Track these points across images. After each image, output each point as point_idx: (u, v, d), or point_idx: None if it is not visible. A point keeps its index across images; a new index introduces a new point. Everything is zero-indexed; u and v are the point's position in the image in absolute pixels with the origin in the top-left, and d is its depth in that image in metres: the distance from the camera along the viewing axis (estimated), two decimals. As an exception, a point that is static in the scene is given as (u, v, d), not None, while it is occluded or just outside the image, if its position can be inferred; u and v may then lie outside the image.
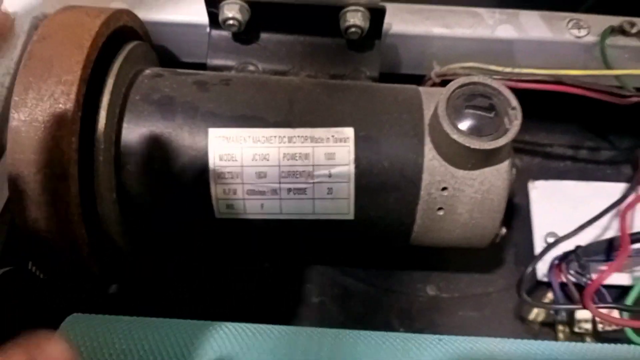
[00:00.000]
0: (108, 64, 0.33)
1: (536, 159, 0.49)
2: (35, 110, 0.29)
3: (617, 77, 0.40)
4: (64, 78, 0.29)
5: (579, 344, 0.33)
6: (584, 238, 0.39)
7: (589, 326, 0.39)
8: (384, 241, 0.37)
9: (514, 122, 0.32)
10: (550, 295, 0.41)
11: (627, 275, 0.40)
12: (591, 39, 0.41)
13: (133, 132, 0.33)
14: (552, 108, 0.45)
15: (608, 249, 0.38)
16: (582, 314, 0.39)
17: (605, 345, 0.33)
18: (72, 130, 0.29)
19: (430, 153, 0.33)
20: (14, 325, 0.32)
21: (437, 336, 0.32)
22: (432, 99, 0.34)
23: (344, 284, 0.43)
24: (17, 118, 0.29)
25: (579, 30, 0.41)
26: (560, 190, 0.45)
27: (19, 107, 0.29)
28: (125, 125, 0.33)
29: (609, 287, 0.39)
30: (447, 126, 0.31)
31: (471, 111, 0.32)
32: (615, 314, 0.38)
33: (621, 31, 0.41)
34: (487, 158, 0.32)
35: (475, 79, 0.33)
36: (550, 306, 0.40)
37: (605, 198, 0.40)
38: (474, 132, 0.31)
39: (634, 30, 0.41)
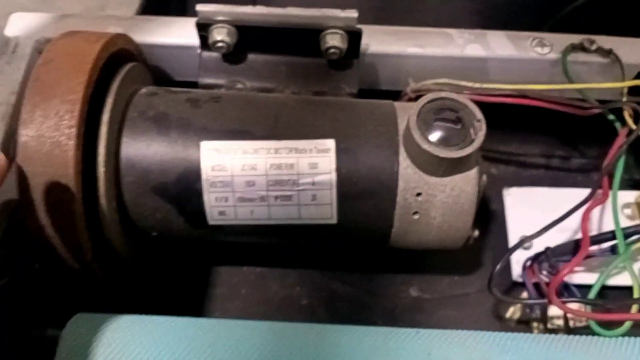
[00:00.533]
0: (107, 84, 0.36)
1: (511, 167, 0.51)
2: (42, 127, 0.31)
3: (579, 90, 0.42)
4: (68, 98, 0.32)
5: (546, 335, 0.35)
6: (555, 240, 0.41)
7: (561, 322, 0.41)
8: (365, 243, 0.39)
9: (479, 133, 0.34)
10: (525, 295, 0.42)
11: (596, 275, 0.42)
12: (554, 55, 0.43)
13: (131, 146, 0.35)
14: (525, 120, 0.48)
15: (575, 250, 0.40)
16: (554, 311, 0.41)
17: (570, 336, 0.35)
18: (76, 144, 0.31)
19: (404, 162, 0.35)
20: (23, 325, 0.35)
21: (414, 330, 0.35)
22: (406, 113, 0.36)
23: (330, 287, 0.45)
24: (26, 134, 0.32)
25: (542, 48, 0.44)
26: (534, 197, 0.47)
27: (27, 124, 0.32)
28: (124, 139, 0.35)
29: (581, 287, 0.41)
30: (418, 137, 0.34)
31: (440, 123, 0.34)
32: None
33: (582, 48, 0.43)
34: (456, 166, 0.35)
35: (443, 94, 0.35)
36: (518, 300, 0.42)
37: (575, 203, 0.41)
38: (442, 142, 0.34)
39: (593, 47, 0.43)
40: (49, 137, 0.31)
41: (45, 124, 0.32)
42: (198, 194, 0.35)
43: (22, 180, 0.32)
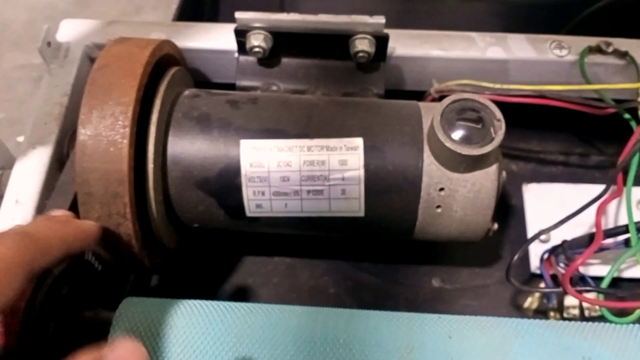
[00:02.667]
0: (155, 87, 0.38)
1: (530, 164, 0.53)
2: (99, 127, 0.34)
3: (596, 91, 0.44)
4: (122, 100, 0.35)
5: (561, 321, 0.37)
6: (573, 234, 0.43)
7: (576, 312, 0.43)
8: (390, 235, 0.41)
9: (499, 132, 0.36)
10: (542, 286, 0.44)
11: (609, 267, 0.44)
12: (571, 57, 0.45)
13: (177, 144, 0.38)
14: (544, 119, 0.50)
15: (590, 242, 0.41)
16: (569, 301, 0.43)
17: (583, 322, 0.37)
18: (129, 142, 0.34)
19: (428, 159, 0.38)
20: (76, 311, 0.38)
21: (436, 315, 0.37)
22: (430, 113, 0.38)
23: (356, 277, 0.47)
24: (84, 133, 0.35)
25: (561, 50, 0.45)
26: (552, 192, 0.49)
27: (85, 124, 0.35)
28: (170, 138, 0.38)
29: (597, 278, 0.42)
30: (441, 136, 0.36)
31: (462, 123, 0.36)
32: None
33: (598, 50, 0.45)
34: (477, 163, 0.37)
35: (465, 95, 0.37)
36: (534, 289, 0.44)
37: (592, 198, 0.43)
38: (464, 140, 0.36)
39: (609, 49, 0.45)
40: (105, 136, 0.34)
41: (102, 124, 0.35)
42: (237, 188, 0.38)
43: (80, 175, 0.35)
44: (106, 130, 0.34)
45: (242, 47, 0.43)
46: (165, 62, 0.41)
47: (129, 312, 0.36)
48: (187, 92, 0.41)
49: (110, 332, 0.35)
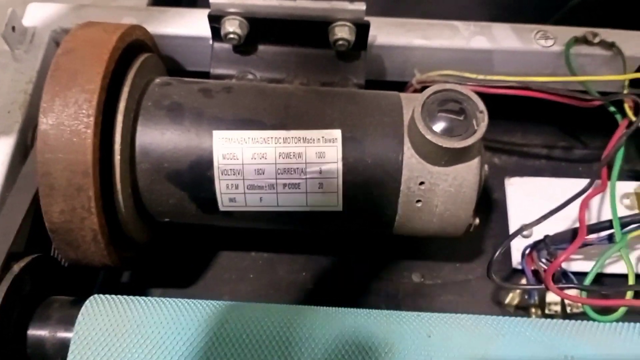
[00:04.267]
0: (123, 74, 0.37)
1: (513, 157, 0.52)
2: (62, 115, 0.33)
3: (581, 82, 0.43)
4: (87, 87, 0.33)
5: (542, 319, 0.37)
6: (557, 229, 0.42)
7: (558, 308, 0.42)
8: (369, 230, 0.40)
9: (481, 124, 0.35)
10: (524, 281, 0.44)
11: (594, 263, 0.43)
12: (557, 48, 0.44)
13: (146, 135, 0.36)
14: (528, 112, 0.49)
15: (573, 238, 0.40)
16: (551, 297, 0.42)
17: (566, 320, 0.37)
18: (94, 132, 0.33)
19: (408, 152, 0.36)
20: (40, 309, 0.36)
21: (416, 313, 0.36)
22: (411, 104, 0.37)
23: (336, 272, 0.46)
24: (46, 122, 0.33)
25: (546, 40, 0.45)
26: (535, 186, 0.48)
27: (47, 113, 0.33)
28: (139, 128, 0.36)
29: (580, 274, 0.41)
30: (422, 128, 0.35)
31: (444, 114, 0.35)
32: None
33: (585, 41, 0.45)
34: (458, 156, 0.36)
35: (447, 86, 0.36)
36: (516, 286, 0.43)
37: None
38: (446, 132, 0.35)
39: (596, 40, 0.44)
40: (68, 125, 0.33)
41: (65, 112, 0.33)
42: (210, 181, 0.36)
43: (42, 166, 0.33)
44: (69, 120, 0.33)
45: (216, 34, 0.41)
46: (136, 48, 0.39)
47: (94, 311, 0.35)
48: (158, 80, 0.39)
49: (74, 331, 0.34)
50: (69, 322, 0.34)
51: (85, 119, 0.33)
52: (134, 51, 0.39)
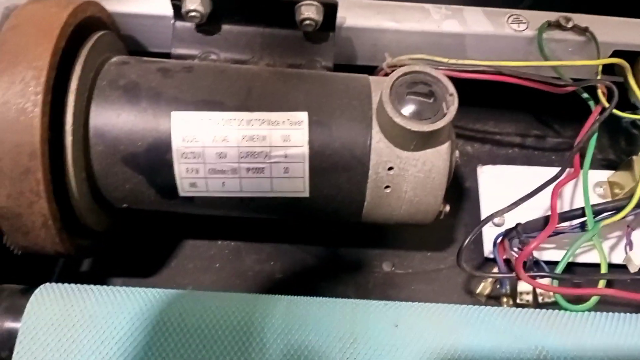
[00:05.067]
0: (76, 52, 0.35)
1: (486, 145, 0.52)
2: (8, 93, 0.31)
3: (554, 68, 0.43)
4: (34, 64, 0.31)
5: (513, 309, 0.36)
6: (528, 218, 0.42)
7: (529, 297, 0.42)
8: (337, 217, 0.39)
9: (451, 107, 0.34)
10: (496, 270, 0.43)
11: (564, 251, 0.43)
12: (530, 33, 0.44)
13: (100, 115, 0.35)
14: (501, 99, 0.49)
15: (545, 226, 0.40)
16: (523, 287, 0.42)
17: (537, 310, 0.36)
18: (42, 111, 0.31)
19: (377, 136, 0.35)
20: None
21: (383, 302, 0.35)
22: (380, 87, 0.36)
23: (305, 261, 0.45)
24: (-10, 101, 0.31)
25: (519, 25, 0.44)
26: (507, 175, 0.48)
27: (-8, 91, 0.31)
28: (93, 108, 0.35)
29: (552, 263, 0.41)
30: (390, 111, 0.34)
31: (412, 97, 0.34)
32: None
33: (558, 25, 0.44)
34: (427, 140, 0.35)
35: (416, 68, 0.35)
36: (486, 274, 0.43)
37: (548, 181, 0.43)
38: (414, 116, 0.34)
39: (569, 25, 0.44)
40: (14, 103, 0.31)
41: (11, 90, 0.31)
42: (169, 165, 0.35)
43: (-13, 147, 0.31)
44: (15, 97, 0.31)
45: (177, 12, 0.40)
46: (91, 25, 0.38)
47: (44, 299, 0.33)
48: (114, 59, 0.37)
49: (23, 320, 0.32)
50: (17, 312, 0.33)
51: (32, 97, 0.31)
52: (89, 28, 0.37)
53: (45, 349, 0.31)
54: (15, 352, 0.32)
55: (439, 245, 0.47)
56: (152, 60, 0.38)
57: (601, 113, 0.41)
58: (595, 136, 0.41)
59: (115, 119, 0.35)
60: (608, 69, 0.45)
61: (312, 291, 0.43)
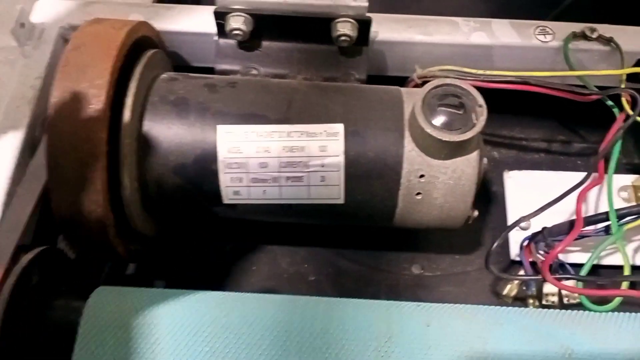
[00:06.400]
0: (131, 70, 0.37)
1: (512, 151, 0.53)
2: (72, 110, 0.34)
3: (579, 77, 0.44)
4: (96, 82, 0.34)
5: (540, 309, 0.37)
6: (554, 222, 0.43)
7: (555, 299, 0.43)
8: (370, 222, 0.41)
9: (480, 118, 0.36)
10: (522, 273, 0.44)
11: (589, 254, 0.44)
12: (556, 43, 0.45)
13: (152, 129, 0.37)
14: (527, 106, 0.49)
15: (570, 229, 0.41)
16: (548, 288, 0.43)
17: (562, 310, 0.37)
18: (102, 126, 0.33)
19: (409, 145, 0.37)
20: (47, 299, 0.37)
21: (415, 303, 0.37)
22: (411, 99, 0.38)
23: (337, 264, 0.47)
24: (56, 117, 0.34)
25: (545, 36, 0.45)
26: (533, 180, 0.49)
27: (57, 107, 0.34)
28: (145, 122, 0.37)
29: (577, 266, 0.42)
30: (422, 122, 0.35)
31: (443, 109, 0.36)
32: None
33: (583, 36, 0.45)
34: (457, 149, 0.36)
35: (447, 81, 0.37)
36: (513, 277, 0.44)
37: (574, 186, 0.44)
38: (445, 126, 0.35)
39: (594, 35, 0.45)
40: (77, 119, 0.33)
41: (74, 106, 0.33)
42: (214, 175, 0.37)
43: (52, 160, 0.34)
44: (78, 113, 0.33)
45: (221, 30, 0.42)
46: (143, 44, 0.40)
47: (100, 302, 0.35)
48: (164, 76, 0.40)
49: (80, 323, 0.34)
50: (75, 313, 0.35)
51: (94, 114, 0.33)
52: (141, 47, 0.40)
53: (104, 348, 0.33)
54: (74, 352, 0.33)
55: (466, 249, 0.48)
56: (199, 76, 0.40)
57: (625, 120, 0.42)
58: (619, 142, 0.42)
59: (166, 133, 0.37)
60: (632, 77, 0.45)
61: (343, 293, 0.45)
